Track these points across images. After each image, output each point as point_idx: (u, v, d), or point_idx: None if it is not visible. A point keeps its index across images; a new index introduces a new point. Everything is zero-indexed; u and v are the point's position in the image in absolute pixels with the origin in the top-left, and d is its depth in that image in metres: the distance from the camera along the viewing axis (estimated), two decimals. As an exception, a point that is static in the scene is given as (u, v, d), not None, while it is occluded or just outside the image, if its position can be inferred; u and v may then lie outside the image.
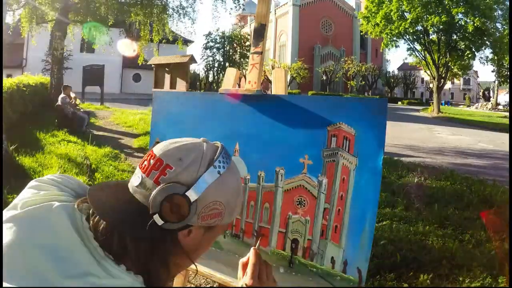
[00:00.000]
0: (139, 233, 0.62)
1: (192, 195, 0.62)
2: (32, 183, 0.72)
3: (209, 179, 0.64)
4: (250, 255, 0.88)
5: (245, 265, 0.89)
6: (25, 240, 0.58)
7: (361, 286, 1.08)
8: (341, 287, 1.10)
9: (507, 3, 23.54)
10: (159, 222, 0.61)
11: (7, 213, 0.64)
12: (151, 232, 0.61)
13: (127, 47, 16.05)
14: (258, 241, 1.03)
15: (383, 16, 25.72)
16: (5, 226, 0.61)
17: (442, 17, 22.86)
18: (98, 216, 0.63)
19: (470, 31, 22.73)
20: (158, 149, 0.66)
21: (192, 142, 0.69)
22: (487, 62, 26.31)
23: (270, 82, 1.49)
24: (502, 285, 2.48)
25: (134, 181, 0.66)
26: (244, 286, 0.83)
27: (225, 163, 0.67)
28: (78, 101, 8.93)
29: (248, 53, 30.72)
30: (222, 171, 0.66)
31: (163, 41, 15.52)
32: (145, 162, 0.66)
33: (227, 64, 38.28)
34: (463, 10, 22.84)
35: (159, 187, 0.62)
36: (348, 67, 50.46)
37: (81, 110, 8.79)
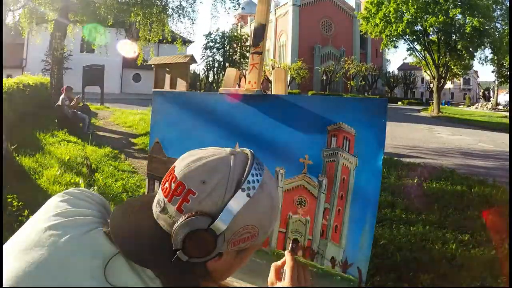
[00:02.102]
0: (163, 267, 0.56)
1: (218, 227, 0.55)
2: (61, 196, 0.67)
3: (238, 205, 0.56)
4: (287, 258, 0.85)
5: (278, 269, 0.87)
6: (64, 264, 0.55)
7: (361, 286, 1.08)
8: (341, 287, 1.10)
9: (507, 3, 23.56)
10: (184, 258, 0.55)
11: (40, 224, 0.60)
12: (176, 266, 0.56)
13: (127, 47, 16.05)
14: (291, 244, 1.04)
15: (382, 17, 25.74)
16: (42, 238, 0.58)
17: (440, 17, 22.87)
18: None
19: (467, 31, 22.74)
20: (179, 169, 0.59)
21: (218, 158, 0.60)
22: (486, 62, 26.33)
23: (270, 82, 1.48)
24: (502, 285, 2.48)
25: (156, 206, 0.60)
26: None
27: (256, 181, 0.59)
28: (81, 103, 8.92)
29: (248, 53, 30.72)
30: (253, 192, 0.58)
31: (164, 41, 15.50)
32: (166, 184, 0.59)
33: (227, 64, 38.34)
34: (460, 11, 22.85)
35: (180, 220, 0.55)
36: (348, 67, 50.49)
37: (85, 110, 8.76)
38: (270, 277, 0.87)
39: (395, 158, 6.79)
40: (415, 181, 5.08)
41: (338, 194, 1.13)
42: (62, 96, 8.35)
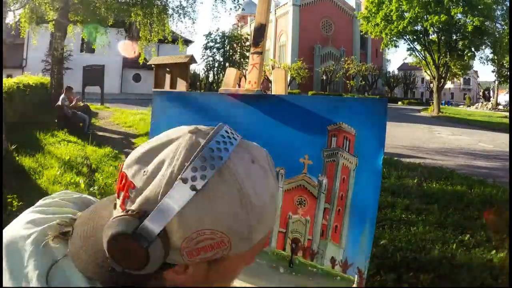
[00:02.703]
0: (107, 280, 0.45)
1: (147, 231, 0.41)
2: (42, 201, 0.60)
3: (178, 201, 0.41)
4: None
5: None
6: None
7: (361, 286, 1.08)
8: (341, 287, 1.10)
9: (507, 3, 23.57)
10: (118, 268, 0.43)
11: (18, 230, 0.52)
12: (121, 278, 0.44)
13: (127, 47, 16.05)
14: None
15: (383, 16, 25.74)
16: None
17: (442, 16, 22.87)
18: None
19: (469, 31, 22.74)
20: (127, 158, 0.48)
21: (167, 140, 0.47)
22: (487, 62, 26.34)
23: (270, 82, 1.49)
24: (502, 285, 2.48)
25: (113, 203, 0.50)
26: None
27: (210, 165, 0.43)
28: (80, 103, 8.92)
29: (248, 53, 30.72)
30: (201, 184, 0.42)
31: (165, 41, 15.52)
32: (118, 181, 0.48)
33: (227, 64, 38.32)
34: (461, 10, 22.85)
35: (108, 221, 0.43)
36: (348, 67, 50.49)
37: (85, 110, 8.76)
38: None
39: (395, 158, 6.79)
40: (415, 181, 5.07)
41: (338, 194, 1.13)
42: (62, 96, 8.36)
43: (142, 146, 0.48)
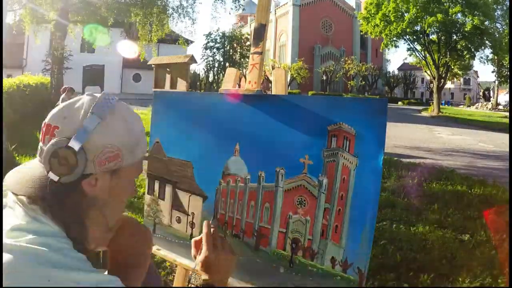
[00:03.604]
0: (43, 193, 0.66)
1: (75, 144, 0.65)
2: None
3: (90, 126, 0.67)
4: (203, 228, 0.92)
5: (197, 243, 0.93)
6: None
7: (361, 286, 1.08)
8: (341, 287, 1.10)
9: (507, 3, 23.54)
10: (55, 178, 0.66)
11: None
12: (54, 190, 0.66)
13: (127, 48, 16.04)
14: (211, 219, 1.16)
15: (382, 17, 25.71)
16: None
17: (438, 16, 22.82)
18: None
19: (468, 30, 22.70)
20: (47, 118, 0.71)
21: (75, 99, 0.73)
22: (487, 62, 26.30)
23: (270, 82, 1.49)
24: (502, 285, 2.48)
25: (38, 155, 0.72)
26: (200, 261, 0.87)
27: (105, 108, 0.70)
28: None
29: (248, 53, 30.71)
30: (103, 115, 0.69)
31: (166, 40, 15.51)
32: (41, 133, 0.71)
33: (227, 64, 38.32)
34: (460, 9, 22.82)
35: (46, 147, 0.66)
36: (348, 67, 50.48)
37: None
38: (192, 252, 0.95)
39: (395, 158, 6.79)
40: (415, 181, 5.07)
41: (338, 194, 1.13)
42: (62, 96, 8.34)
43: (56, 108, 0.72)
